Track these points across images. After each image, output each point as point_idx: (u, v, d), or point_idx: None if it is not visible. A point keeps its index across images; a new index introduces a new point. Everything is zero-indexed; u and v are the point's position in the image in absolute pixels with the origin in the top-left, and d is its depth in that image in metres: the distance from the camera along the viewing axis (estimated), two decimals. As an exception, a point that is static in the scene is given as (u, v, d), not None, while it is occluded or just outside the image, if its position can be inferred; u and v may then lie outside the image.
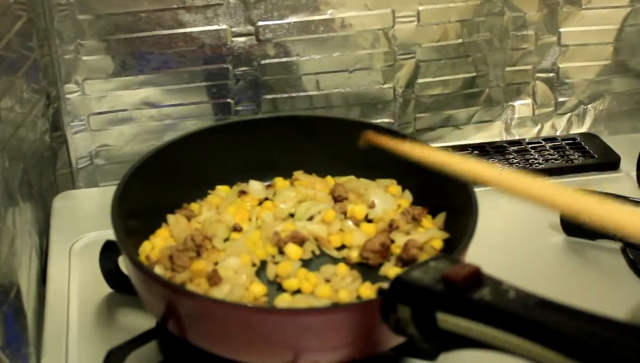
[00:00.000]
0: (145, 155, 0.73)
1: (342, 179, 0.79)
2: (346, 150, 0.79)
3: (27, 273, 0.72)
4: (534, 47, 0.96)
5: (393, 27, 0.91)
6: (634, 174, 0.90)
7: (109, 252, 0.70)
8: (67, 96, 0.88)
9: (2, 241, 0.65)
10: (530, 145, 0.97)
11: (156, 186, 0.72)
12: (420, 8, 0.91)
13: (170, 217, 0.73)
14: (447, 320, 0.49)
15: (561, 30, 0.96)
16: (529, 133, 1.01)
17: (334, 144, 0.79)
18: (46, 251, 0.80)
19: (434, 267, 0.53)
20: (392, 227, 0.72)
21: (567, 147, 0.97)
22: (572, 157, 0.94)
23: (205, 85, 0.91)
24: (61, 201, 0.88)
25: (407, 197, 0.77)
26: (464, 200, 0.67)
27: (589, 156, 0.94)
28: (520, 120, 1.00)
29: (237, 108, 0.92)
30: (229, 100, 0.91)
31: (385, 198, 0.76)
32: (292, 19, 0.89)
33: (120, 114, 0.90)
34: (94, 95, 0.88)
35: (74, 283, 0.75)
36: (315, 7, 0.89)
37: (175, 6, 0.86)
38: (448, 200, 0.72)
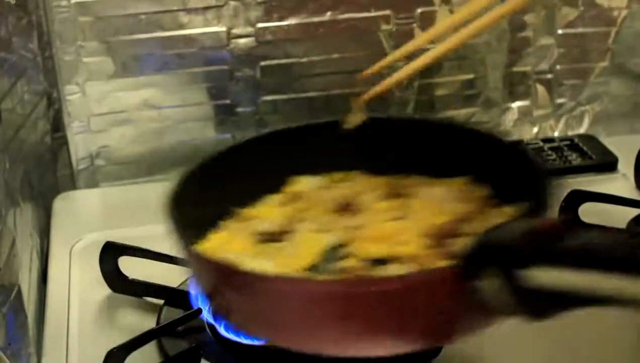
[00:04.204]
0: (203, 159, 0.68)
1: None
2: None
3: (28, 274, 0.72)
4: (532, 48, 0.97)
5: (392, 28, 0.92)
6: (631, 175, 0.90)
7: (109, 253, 0.71)
8: (68, 97, 0.88)
9: (3, 242, 0.66)
10: (528, 146, 0.97)
11: (210, 191, 0.67)
12: (419, 10, 0.92)
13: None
14: (544, 276, 0.44)
15: (559, 32, 0.96)
16: (527, 134, 1.01)
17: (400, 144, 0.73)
18: (47, 252, 0.81)
19: (518, 225, 0.47)
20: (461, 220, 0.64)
21: (565, 148, 0.97)
22: (570, 158, 0.95)
23: (206, 86, 0.91)
24: (62, 202, 0.88)
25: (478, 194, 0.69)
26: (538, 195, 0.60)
27: (587, 157, 0.95)
28: (518, 121, 1.01)
29: (237, 109, 0.92)
30: (229, 101, 0.92)
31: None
32: (292, 20, 0.89)
33: (120, 115, 0.90)
34: (94, 97, 0.89)
35: (74, 284, 0.75)
36: (314, 9, 0.89)
37: (175, 8, 0.86)
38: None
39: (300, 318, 0.53)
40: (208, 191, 0.67)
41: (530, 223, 0.47)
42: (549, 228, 0.45)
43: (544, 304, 0.45)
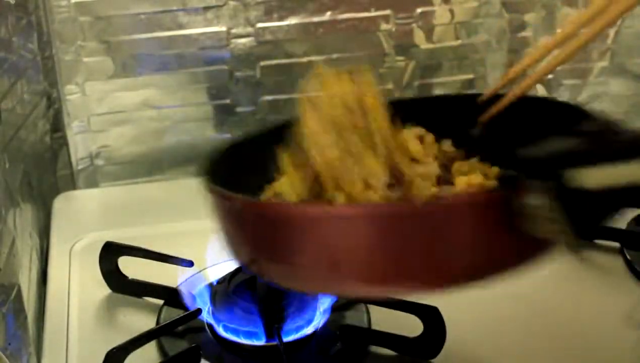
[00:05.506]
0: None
1: None
2: None
3: (28, 274, 0.72)
4: (532, 48, 0.97)
5: (392, 28, 0.92)
6: (631, 175, 0.90)
7: (109, 253, 0.71)
8: (68, 97, 0.88)
9: (3, 242, 0.66)
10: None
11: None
12: (419, 10, 0.92)
13: None
14: (600, 175, 0.41)
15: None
16: (527, 134, 1.01)
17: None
18: (47, 252, 0.81)
19: (556, 140, 0.43)
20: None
21: (565, 148, 0.97)
22: (570, 158, 0.95)
23: (206, 86, 0.91)
24: (61, 202, 0.88)
25: None
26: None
27: (587, 157, 0.94)
28: (518, 121, 1.01)
29: (237, 109, 0.92)
30: (229, 101, 0.92)
31: None
32: (292, 20, 0.89)
33: (120, 115, 0.90)
34: (94, 97, 0.89)
35: (74, 284, 0.75)
36: (314, 9, 0.89)
37: (175, 8, 0.86)
38: None
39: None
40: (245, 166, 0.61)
41: (579, 128, 0.44)
42: (599, 128, 0.43)
43: (596, 208, 0.42)
